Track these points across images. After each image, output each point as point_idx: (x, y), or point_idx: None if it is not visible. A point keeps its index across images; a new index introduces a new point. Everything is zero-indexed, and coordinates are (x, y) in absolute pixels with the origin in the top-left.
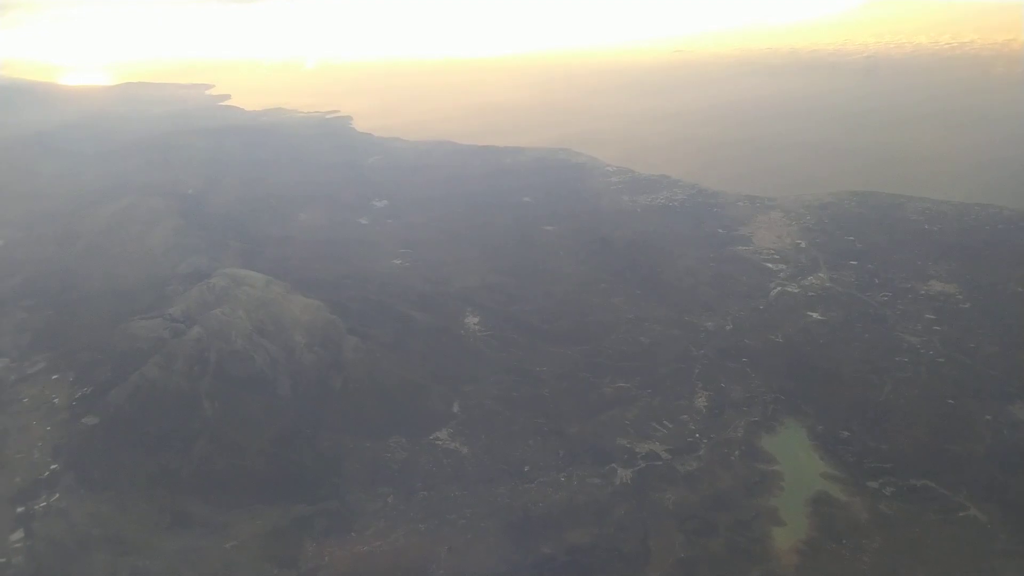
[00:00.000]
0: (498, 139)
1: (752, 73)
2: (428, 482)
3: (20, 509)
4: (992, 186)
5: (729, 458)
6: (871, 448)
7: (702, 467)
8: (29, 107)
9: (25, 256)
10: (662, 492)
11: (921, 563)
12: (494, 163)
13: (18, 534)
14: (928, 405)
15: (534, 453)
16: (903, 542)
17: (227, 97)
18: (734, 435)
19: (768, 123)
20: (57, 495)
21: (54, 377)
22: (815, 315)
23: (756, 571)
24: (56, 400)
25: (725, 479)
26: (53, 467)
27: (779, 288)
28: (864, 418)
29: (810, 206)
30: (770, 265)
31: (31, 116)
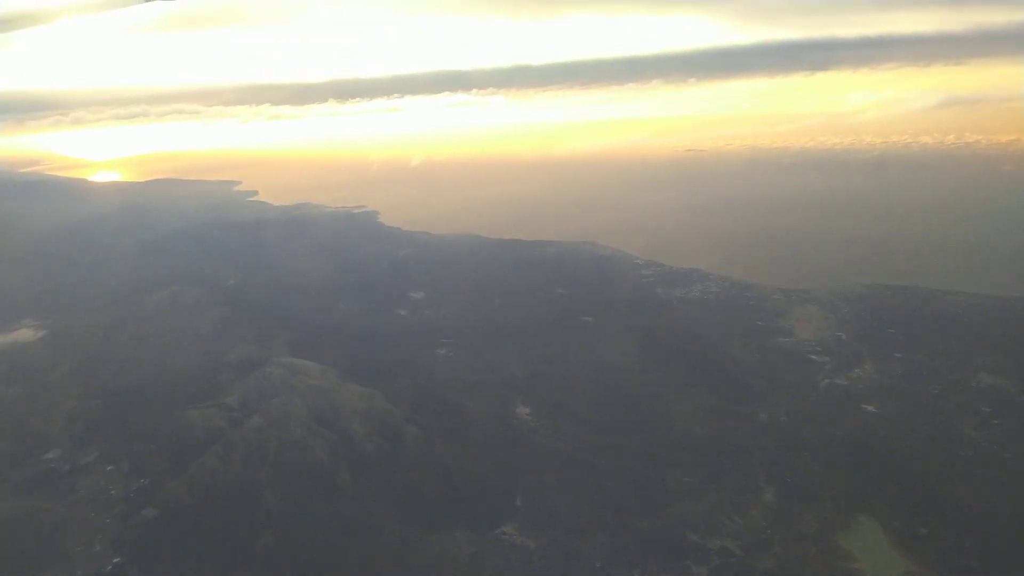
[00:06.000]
0: (520, 232)
1: (764, 170)
2: None
3: None
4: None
5: (806, 555)
6: (954, 545)
7: (779, 564)
8: (63, 201)
9: (71, 345)
10: None
11: None
12: (522, 255)
13: None
14: (1005, 501)
15: (604, 548)
16: None
17: (255, 193)
18: (808, 531)
19: (788, 217)
20: None
21: (109, 468)
22: (870, 408)
23: None
24: (113, 492)
25: None
26: (116, 560)
27: (827, 380)
28: (942, 515)
29: (845, 298)
30: (814, 357)
31: (65, 209)
